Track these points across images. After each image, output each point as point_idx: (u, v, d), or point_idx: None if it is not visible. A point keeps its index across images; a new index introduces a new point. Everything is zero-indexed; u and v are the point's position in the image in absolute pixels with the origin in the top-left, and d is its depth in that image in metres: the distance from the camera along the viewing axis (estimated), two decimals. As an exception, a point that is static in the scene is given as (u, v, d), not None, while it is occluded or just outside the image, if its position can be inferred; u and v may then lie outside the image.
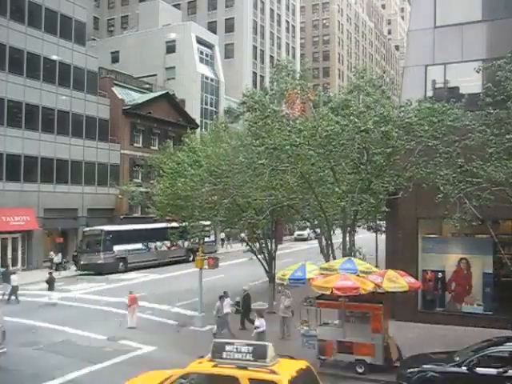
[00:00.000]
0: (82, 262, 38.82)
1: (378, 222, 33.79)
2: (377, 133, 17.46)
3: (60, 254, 39.71)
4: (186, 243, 42.37)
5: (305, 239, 59.92)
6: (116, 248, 38.73)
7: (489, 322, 18.07)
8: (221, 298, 19.81)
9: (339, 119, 17.78)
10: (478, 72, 16.97)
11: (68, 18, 43.25)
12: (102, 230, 38.85)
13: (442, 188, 15.51)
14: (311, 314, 16.27)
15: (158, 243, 41.78)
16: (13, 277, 27.96)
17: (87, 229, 40.42)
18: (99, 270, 37.37)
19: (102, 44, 62.56)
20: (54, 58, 41.70)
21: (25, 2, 39.61)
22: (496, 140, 15.40)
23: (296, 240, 61.71)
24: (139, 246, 40.73)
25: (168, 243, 41.27)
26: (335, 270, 15.30)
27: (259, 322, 17.12)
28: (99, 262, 37.76)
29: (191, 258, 42.25)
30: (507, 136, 15.20)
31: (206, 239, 40.24)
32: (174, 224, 36.64)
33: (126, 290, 29.91)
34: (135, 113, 49.08)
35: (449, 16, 21.41)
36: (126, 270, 38.42)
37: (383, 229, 30.23)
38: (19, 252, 39.34)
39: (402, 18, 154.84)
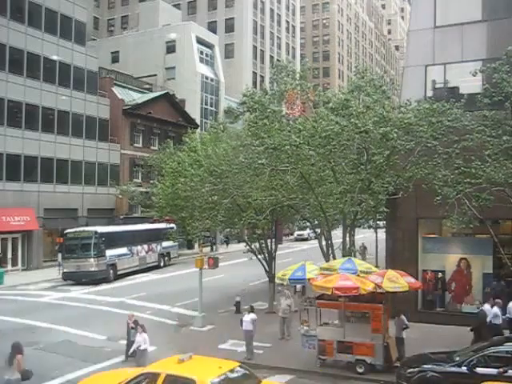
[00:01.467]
0: (65, 270, 33.36)
1: (377, 222, 33.84)
2: (376, 133, 17.48)
3: (60, 255, 39.69)
4: (159, 247, 40.61)
5: (305, 239, 60.00)
6: (108, 253, 34.19)
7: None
8: None
9: (339, 119, 17.80)
10: (474, 75, 16.99)
11: (68, 17, 43.21)
12: (95, 232, 34.04)
13: (439, 190, 15.54)
14: (311, 314, 16.28)
15: (139, 247, 38.22)
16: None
17: (71, 230, 34.93)
18: (89, 279, 32.91)
19: (101, 44, 62.52)
20: (54, 57, 41.67)
21: (25, 2, 39.57)
22: (494, 141, 15.41)
23: (296, 240, 61.87)
24: (125, 250, 36.53)
25: (146, 247, 39.05)
26: (335, 270, 15.31)
27: (142, 338, 14.86)
28: (91, 269, 32.85)
29: (162, 264, 40.85)
30: (504, 138, 15.21)
31: (170, 243, 38.68)
32: (163, 225, 36.09)
33: (125, 290, 30.05)
34: (135, 113, 49.06)
35: (449, 16, 21.41)
36: (115, 279, 34.36)
37: (381, 225, 30.31)
38: (19, 252, 39.33)
39: (402, 18, 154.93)
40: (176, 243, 39.49)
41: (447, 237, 20.87)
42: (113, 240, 35.21)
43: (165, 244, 40.53)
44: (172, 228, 33.59)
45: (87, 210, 43.82)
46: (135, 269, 37.33)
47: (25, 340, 15.49)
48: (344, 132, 17.69)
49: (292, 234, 64.96)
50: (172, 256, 43.00)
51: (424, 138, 16.89)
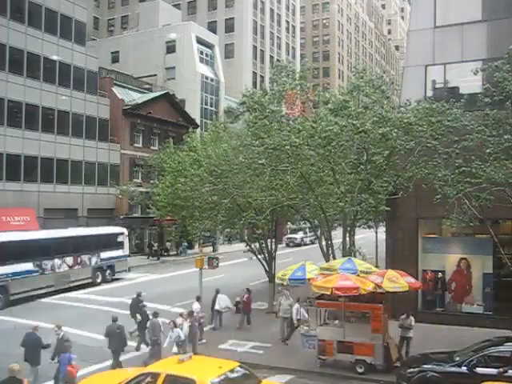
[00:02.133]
0: None
1: (378, 222, 33.82)
2: (376, 133, 17.49)
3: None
4: (93, 260, 31.76)
5: (298, 245, 51.28)
6: None
7: (489, 322, 18.08)
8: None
9: (338, 120, 17.81)
10: (476, 74, 16.99)
11: (68, 17, 43.24)
12: None
13: (439, 190, 15.54)
14: (311, 314, 16.26)
15: (56, 261, 28.93)
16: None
17: None
18: None
19: (101, 44, 62.53)
20: (54, 57, 41.70)
21: (25, 2, 39.58)
22: (494, 141, 15.41)
23: (287, 246, 51.50)
24: (29, 266, 27.24)
25: (71, 261, 29.96)
26: (335, 270, 15.32)
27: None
28: None
29: (99, 280, 32.16)
30: (505, 137, 15.22)
31: (116, 253, 33.45)
32: (106, 229, 32.55)
33: (126, 290, 30.03)
34: (135, 113, 49.05)
35: (449, 16, 21.42)
36: (4, 307, 25.24)
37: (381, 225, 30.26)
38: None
39: (402, 18, 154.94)
40: (125, 253, 33.74)
41: (447, 237, 20.89)
42: (5, 253, 25.91)
43: (105, 255, 32.66)
44: (122, 233, 30.74)
45: (87, 209, 43.83)
46: (46, 290, 28.06)
47: (25, 340, 15.51)
48: (343, 132, 17.69)
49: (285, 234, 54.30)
50: (118, 270, 33.97)
51: (424, 138, 16.89)
